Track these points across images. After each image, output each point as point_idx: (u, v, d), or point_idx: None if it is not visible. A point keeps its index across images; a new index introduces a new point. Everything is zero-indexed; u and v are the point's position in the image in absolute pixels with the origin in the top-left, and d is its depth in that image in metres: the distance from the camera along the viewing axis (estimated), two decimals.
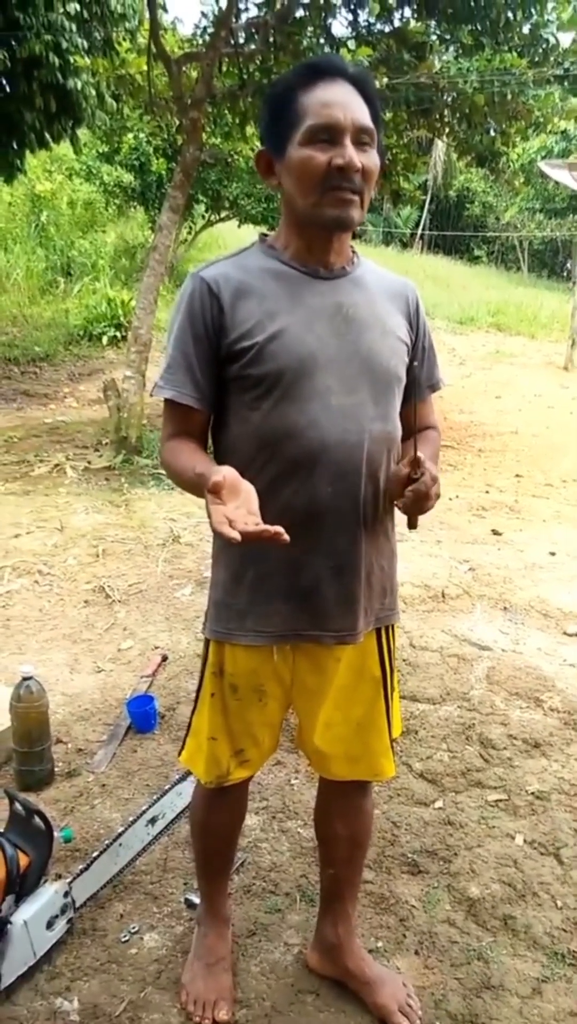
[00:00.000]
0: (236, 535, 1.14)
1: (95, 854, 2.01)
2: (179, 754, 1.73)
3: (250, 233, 12.09)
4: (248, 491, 1.22)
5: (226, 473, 1.21)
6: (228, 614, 1.53)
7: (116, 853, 2.06)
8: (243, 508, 1.20)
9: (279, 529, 1.17)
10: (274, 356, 1.39)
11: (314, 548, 1.44)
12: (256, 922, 2.01)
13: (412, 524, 1.46)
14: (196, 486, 1.34)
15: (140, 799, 2.42)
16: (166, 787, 2.32)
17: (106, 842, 2.06)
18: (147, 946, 1.93)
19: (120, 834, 2.08)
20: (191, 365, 1.43)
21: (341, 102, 1.33)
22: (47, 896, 1.84)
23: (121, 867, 2.08)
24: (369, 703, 1.60)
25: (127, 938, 1.94)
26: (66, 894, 1.89)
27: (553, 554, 4.68)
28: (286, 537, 1.18)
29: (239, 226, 13.05)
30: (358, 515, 1.45)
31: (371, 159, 1.36)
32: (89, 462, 6.24)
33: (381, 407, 1.45)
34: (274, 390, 1.39)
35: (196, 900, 1.97)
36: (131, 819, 2.16)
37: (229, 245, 14.40)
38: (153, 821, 2.20)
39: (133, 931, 1.96)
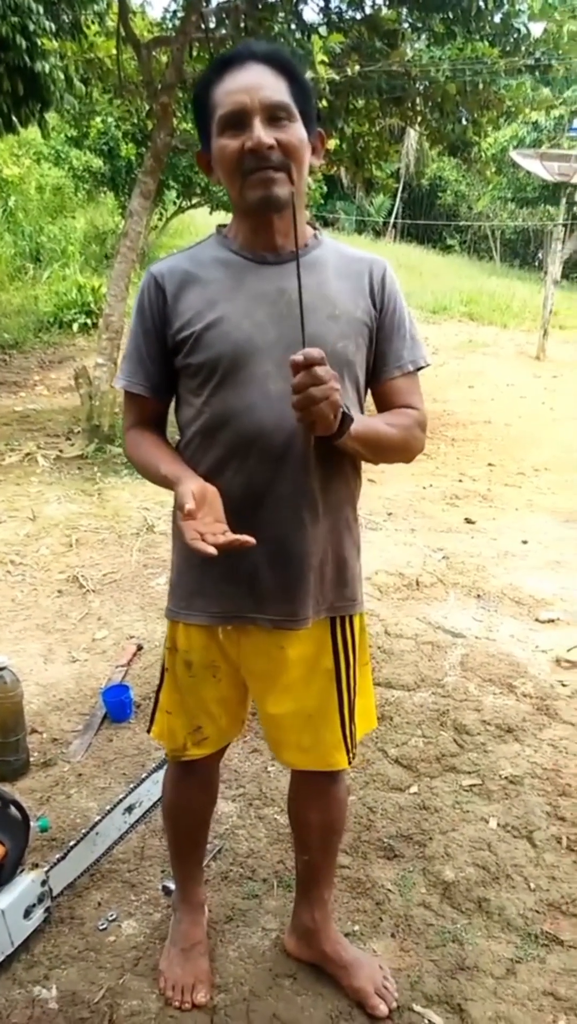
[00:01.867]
0: (211, 550, 1.23)
1: (72, 843, 2.01)
2: (148, 730, 1.75)
3: (222, 219, 12.01)
4: (212, 497, 1.32)
5: (195, 491, 1.30)
6: (180, 593, 1.58)
7: (93, 842, 2.06)
8: (210, 516, 1.29)
9: (247, 538, 1.27)
10: (211, 344, 1.40)
11: (255, 531, 1.38)
12: (234, 908, 2.02)
13: (310, 435, 1.36)
14: (162, 483, 1.44)
15: (116, 788, 2.42)
16: (142, 776, 2.33)
17: (83, 831, 2.06)
18: (125, 933, 1.94)
19: (97, 823, 2.08)
20: (142, 357, 1.50)
21: (246, 86, 1.33)
22: (24, 885, 1.84)
23: (98, 856, 2.08)
24: (321, 695, 1.59)
25: (105, 926, 1.95)
26: (43, 883, 1.88)
27: (525, 542, 4.73)
28: (252, 541, 1.27)
29: (211, 213, 12.96)
30: (302, 500, 1.44)
31: (290, 133, 1.34)
32: (61, 451, 6.19)
33: None
34: (213, 377, 1.41)
35: (173, 887, 1.98)
36: (108, 808, 2.16)
37: (200, 231, 14.28)
38: (130, 810, 2.20)
39: (111, 919, 1.97)
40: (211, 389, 1.42)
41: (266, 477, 1.42)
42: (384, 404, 1.56)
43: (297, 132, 1.36)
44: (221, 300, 1.41)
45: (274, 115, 1.33)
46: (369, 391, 1.57)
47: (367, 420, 1.44)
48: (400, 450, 1.52)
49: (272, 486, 1.42)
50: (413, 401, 1.55)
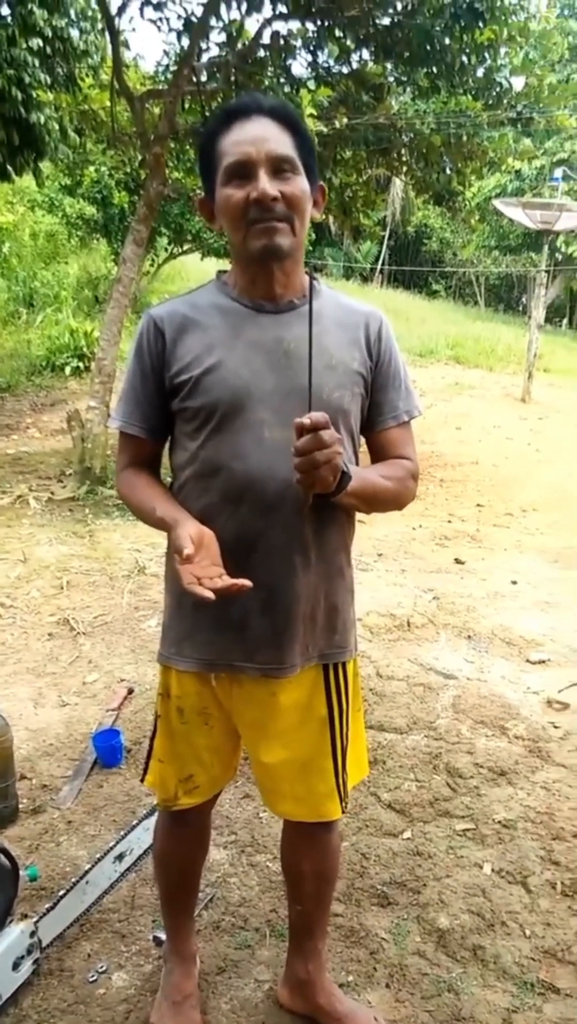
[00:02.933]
0: (209, 595, 1.25)
1: (61, 892, 1.98)
2: (141, 779, 1.73)
3: (213, 266, 12.20)
4: (209, 540, 1.34)
5: (192, 535, 1.31)
6: (171, 638, 1.58)
7: (83, 891, 2.03)
8: (207, 560, 1.31)
9: (244, 582, 1.29)
10: (208, 389, 1.42)
11: (245, 578, 1.38)
12: (226, 958, 1.99)
13: (308, 494, 1.34)
14: (157, 525, 1.45)
15: (107, 835, 2.39)
16: (133, 823, 2.30)
17: (72, 880, 2.03)
18: (115, 985, 1.90)
19: (87, 872, 2.05)
20: (139, 398, 1.51)
21: (252, 138, 1.37)
22: (12, 936, 1.80)
23: (88, 905, 2.05)
24: (315, 744, 1.58)
25: (95, 978, 1.91)
26: (32, 934, 1.85)
27: (515, 583, 4.75)
28: (249, 584, 1.29)
29: (202, 259, 13.19)
30: (295, 548, 1.44)
31: (293, 186, 1.38)
32: (52, 493, 6.20)
33: None
34: (209, 422, 1.43)
35: (164, 937, 1.94)
36: (98, 856, 2.12)
37: (192, 277, 14.53)
38: (120, 858, 2.17)
39: (101, 970, 1.93)
40: (207, 434, 1.43)
41: (258, 525, 1.42)
42: (378, 454, 1.60)
43: (300, 184, 1.40)
44: (219, 346, 1.44)
45: (279, 167, 1.37)
46: (363, 439, 1.60)
47: (364, 475, 1.45)
48: (393, 501, 1.55)
49: (264, 533, 1.43)
50: (407, 452, 1.58)
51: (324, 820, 1.64)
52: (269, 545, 1.43)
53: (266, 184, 1.35)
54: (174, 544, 1.30)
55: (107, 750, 2.74)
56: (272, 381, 1.42)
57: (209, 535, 1.34)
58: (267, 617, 1.47)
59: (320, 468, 1.25)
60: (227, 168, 1.38)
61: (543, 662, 3.65)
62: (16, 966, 1.80)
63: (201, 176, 1.49)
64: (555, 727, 3.09)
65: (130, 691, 3.23)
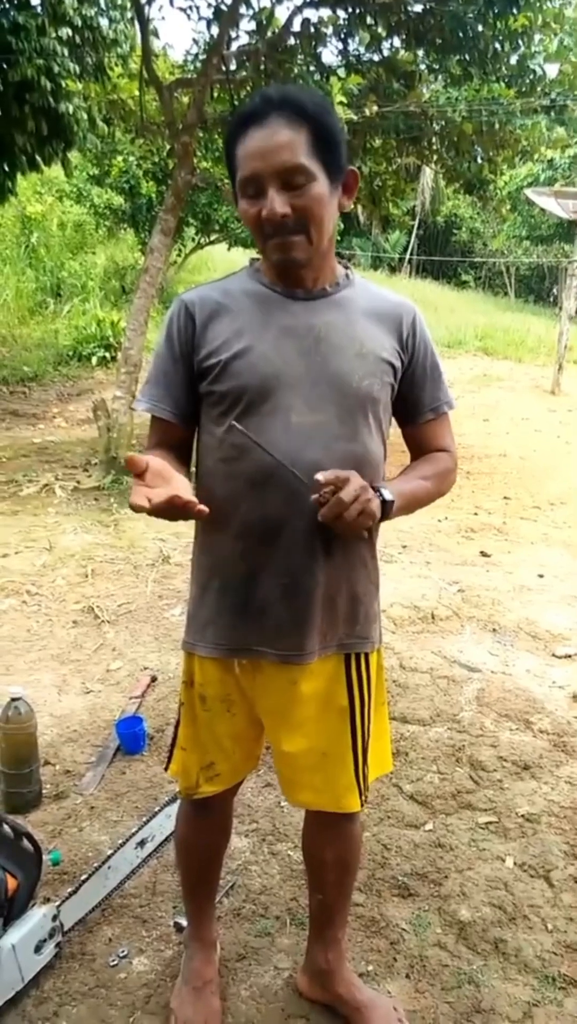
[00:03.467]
0: (143, 502, 1.20)
1: (84, 877, 1.99)
2: (165, 767, 1.73)
3: (240, 255, 12.19)
4: (179, 482, 1.28)
5: (150, 458, 1.26)
6: (195, 625, 1.58)
7: (105, 876, 2.04)
8: (171, 492, 1.25)
9: (192, 499, 1.24)
10: (238, 373, 1.42)
11: (268, 565, 1.45)
12: (246, 946, 1.99)
13: (354, 536, 1.42)
14: (134, 507, 1.36)
15: (129, 821, 2.41)
16: (155, 809, 2.31)
17: (95, 865, 2.05)
18: (136, 970, 1.91)
19: (109, 857, 2.07)
20: (169, 382, 1.51)
21: (261, 150, 1.33)
22: (35, 920, 1.82)
23: (110, 890, 2.06)
24: (335, 734, 1.57)
25: (116, 962, 1.92)
26: (54, 918, 1.87)
27: (541, 576, 4.70)
28: (204, 508, 1.25)
29: (229, 249, 13.18)
30: (317, 535, 1.43)
31: (306, 197, 1.34)
32: (78, 482, 6.24)
33: (348, 427, 1.44)
34: (236, 406, 1.42)
35: (185, 923, 1.95)
36: (120, 842, 2.14)
37: (219, 267, 14.53)
38: (142, 844, 2.18)
39: (122, 955, 1.94)
40: (234, 418, 1.43)
41: (283, 510, 1.42)
42: (420, 446, 1.64)
43: (313, 193, 1.35)
44: (249, 331, 1.44)
45: (290, 180, 1.34)
46: (402, 433, 1.63)
47: (404, 489, 1.48)
48: (435, 498, 1.61)
49: (288, 519, 1.43)
50: (446, 443, 1.65)
51: (342, 812, 1.63)
52: (293, 531, 1.43)
53: (275, 202, 1.34)
54: (126, 463, 1.26)
55: (130, 737, 2.75)
56: (301, 367, 1.42)
57: (180, 478, 1.29)
58: (287, 602, 1.47)
59: (354, 524, 1.32)
60: (240, 182, 1.38)
61: (569, 656, 3.62)
62: (38, 949, 1.82)
63: (228, 171, 1.48)
64: None
65: (153, 679, 3.25)
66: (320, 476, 1.29)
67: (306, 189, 1.35)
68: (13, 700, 2.43)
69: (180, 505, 1.23)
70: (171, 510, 1.23)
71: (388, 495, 1.41)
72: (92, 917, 2.03)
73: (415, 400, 1.59)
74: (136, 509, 1.20)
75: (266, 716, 1.60)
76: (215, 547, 1.52)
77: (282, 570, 1.45)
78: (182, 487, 1.27)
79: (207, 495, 1.43)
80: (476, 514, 6.20)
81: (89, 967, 1.91)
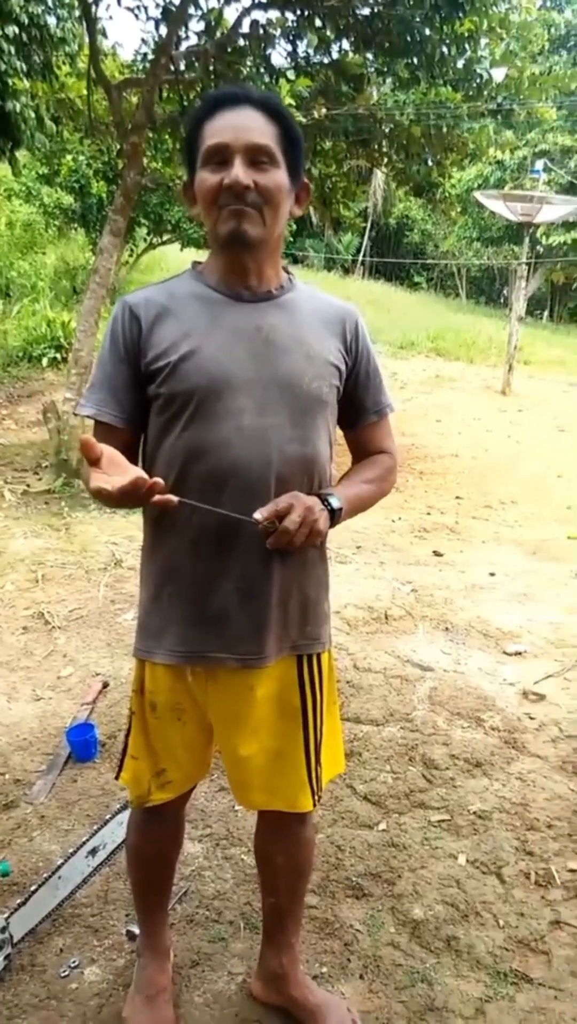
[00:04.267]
0: (108, 486, 1.19)
1: (33, 887, 1.97)
2: (116, 776, 1.71)
3: (193, 256, 12.13)
4: (135, 473, 1.24)
5: (104, 447, 1.25)
6: (148, 632, 1.55)
7: (55, 886, 2.02)
8: (120, 474, 1.23)
9: (158, 480, 1.23)
10: (187, 375, 1.41)
11: (225, 570, 1.45)
12: (199, 952, 1.98)
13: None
14: (98, 492, 1.29)
15: (80, 830, 2.37)
16: (107, 817, 2.29)
17: (45, 875, 2.02)
18: (88, 980, 1.89)
19: (59, 866, 2.04)
20: (113, 385, 1.48)
21: (234, 125, 1.37)
22: None
23: (60, 900, 2.03)
24: (288, 735, 1.58)
25: (67, 973, 1.90)
26: (3, 929, 1.84)
27: (493, 575, 4.76)
28: (173, 498, 1.26)
29: (181, 249, 13.10)
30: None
31: (269, 177, 1.38)
32: (28, 485, 6.14)
33: (299, 429, 1.45)
34: (186, 408, 1.41)
35: (137, 931, 1.93)
36: (71, 851, 2.11)
37: (171, 267, 14.42)
38: (93, 852, 2.16)
39: (73, 965, 1.92)
40: (183, 422, 1.41)
41: (239, 511, 1.41)
42: (362, 448, 1.66)
43: (276, 177, 1.39)
44: (197, 333, 1.43)
45: (256, 158, 1.37)
46: (344, 435, 1.65)
47: (351, 495, 1.51)
48: (378, 499, 1.64)
49: (244, 523, 1.41)
50: (387, 444, 1.67)
51: (296, 811, 1.63)
52: (249, 535, 1.41)
53: (240, 171, 1.35)
54: (80, 444, 1.23)
55: (81, 744, 2.72)
56: (252, 369, 1.42)
57: (135, 469, 1.26)
58: (245, 607, 1.46)
59: (305, 543, 1.37)
60: (205, 151, 1.38)
61: (519, 654, 3.67)
62: None
63: (185, 161, 1.49)
64: (530, 718, 3.10)
65: (105, 685, 3.21)
66: (258, 515, 1.33)
67: (270, 170, 1.38)
68: None
69: (146, 487, 1.21)
70: (135, 492, 1.21)
71: (336, 503, 1.43)
72: (42, 928, 1.99)
73: (358, 403, 1.60)
74: (98, 494, 1.19)
75: (219, 722, 1.59)
76: (168, 553, 1.50)
77: (238, 575, 1.44)
78: (137, 474, 1.23)
79: None
80: (429, 514, 6.27)
81: (40, 978, 1.88)
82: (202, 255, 1.54)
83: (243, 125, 1.37)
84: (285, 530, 1.34)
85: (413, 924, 2.10)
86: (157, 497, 1.24)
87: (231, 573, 1.45)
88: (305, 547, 1.40)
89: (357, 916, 2.12)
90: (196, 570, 1.46)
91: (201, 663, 1.51)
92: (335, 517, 1.43)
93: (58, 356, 10.00)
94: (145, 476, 1.21)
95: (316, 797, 1.63)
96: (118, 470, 1.24)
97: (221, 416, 1.40)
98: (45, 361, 10.03)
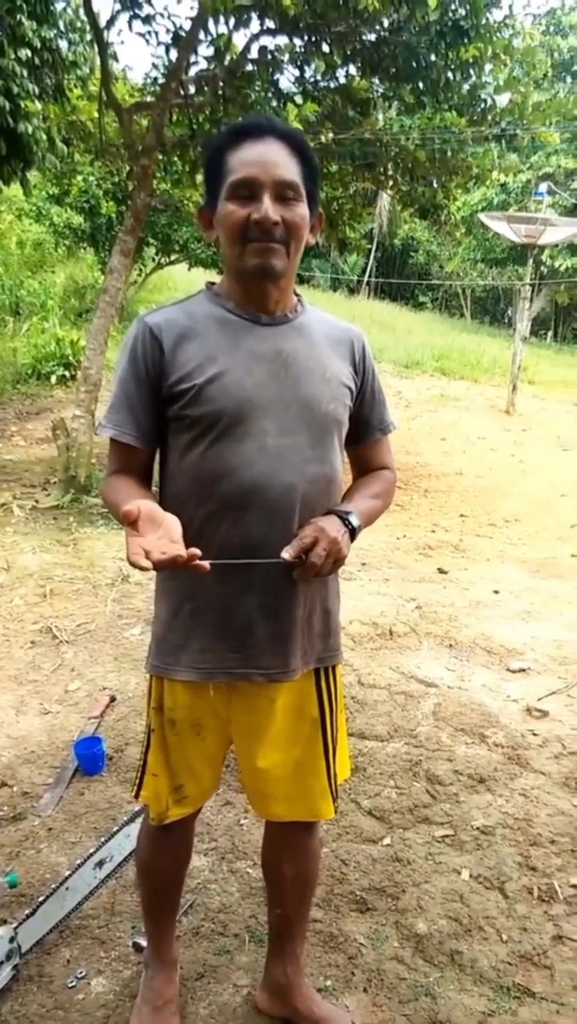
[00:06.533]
0: (146, 563, 1.18)
1: (41, 899, 1.98)
2: (135, 795, 1.69)
3: (200, 276, 12.25)
4: (170, 523, 1.26)
5: (141, 504, 1.24)
6: (166, 649, 1.56)
7: (63, 897, 2.03)
8: (164, 539, 1.24)
9: (194, 551, 1.21)
10: (212, 398, 1.43)
11: (248, 587, 1.47)
12: (205, 964, 2.00)
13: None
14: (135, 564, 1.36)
15: (87, 842, 2.40)
16: (114, 829, 2.31)
17: (52, 886, 2.04)
18: (95, 991, 1.90)
19: (67, 878, 2.06)
20: (132, 405, 1.49)
21: (262, 160, 1.40)
22: None
23: (68, 911, 2.05)
24: (307, 744, 1.61)
25: (74, 984, 1.92)
26: (11, 940, 1.86)
27: (497, 592, 4.79)
28: (206, 565, 1.23)
29: (189, 269, 13.25)
30: None
31: (294, 212, 1.42)
32: (37, 501, 6.20)
33: (318, 450, 1.49)
34: (211, 431, 1.44)
35: (144, 943, 1.95)
36: (78, 863, 2.13)
37: (179, 287, 14.58)
38: (100, 864, 2.18)
39: (80, 976, 1.94)
40: (208, 443, 1.44)
41: (262, 530, 1.44)
42: (365, 464, 1.71)
43: (301, 211, 1.44)
44: (221, 356, 1.45)
45: (283, 193, 1.41)
46: (347, 452, 1.68)
47: (364, 510, 1.55)
48: (382, 513, 1.68)
49: (268, 539, 1.44)
50: (388, 460, 1.74)
51: (316, 820, 1.67)
52: (271, 550, 1.43)
53: (269, 208, 1.39)
54: (121, 514, 1.24)
55: (88, 758, 2.74)
56: (273, 391, 1.46)
57: (170, 518, 1.28)
58: (271, 623, 1.49)
59: (330, 571, 1.44)
60: (233, 184, 1.41)
61: (523, 671, 3.69)
62: None
63: (205, 187, 1.52)
64: (534, 735, 3.12)
65: (112, 699, 3.24)
66: (286, 554, 1.39)
67: (295, 206, 1.42)
68: None
69: (182, 563, 1.21)
70: (172, 568, 1.23)
71: (355, 521, 1.48)
72: (50, 939, 2.01)
73: (365, 421, 1.65)
74: (136, 567, 1.19)
75: (241, 735, 1.61)
76: (189, 570, 1.52)
77: (262, 591, 1.47)
78: (174, 528, 1.26)
79: (180, 519, 1.35)
80: (434, 531, 6.30)
81: (47, 989, 1.90)
82: (208, 275, 1.59)
83: (272, 161, 1.40)
84: (312, 565, 1.39)
85: (417, 938, 2.11)
86: (193, 563, 1.24)
87: (255, 589, 1.47)
88: (330, 575, 1.46)
89: (361, 930, 2.14)
90: (219, 586, 1.46)
91: (225, 678, 1.53)
92: (354, 535, 1.48)
93: (67, 374, 10.11)
94: (183, 553, 1.21)
95: (335, 803, 1.67)
96: (153, 526, 1.24)
97: (245, 438, 1.43)
98: (54, 379, 10.14)
